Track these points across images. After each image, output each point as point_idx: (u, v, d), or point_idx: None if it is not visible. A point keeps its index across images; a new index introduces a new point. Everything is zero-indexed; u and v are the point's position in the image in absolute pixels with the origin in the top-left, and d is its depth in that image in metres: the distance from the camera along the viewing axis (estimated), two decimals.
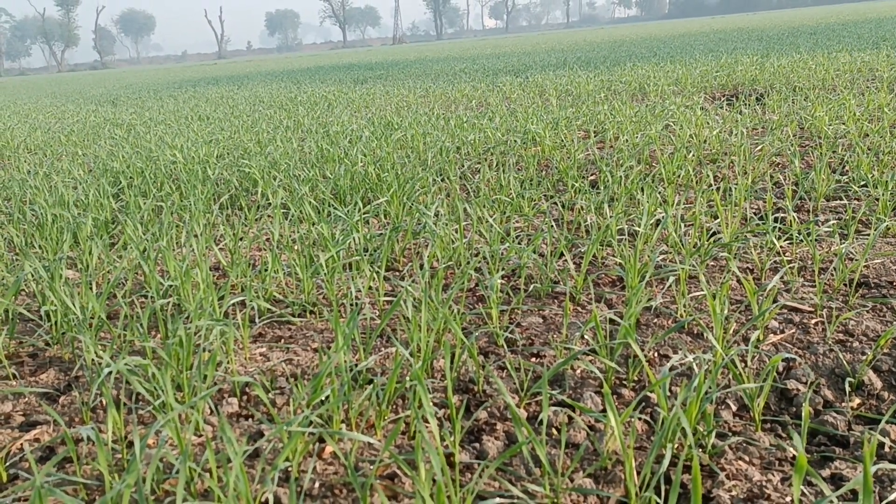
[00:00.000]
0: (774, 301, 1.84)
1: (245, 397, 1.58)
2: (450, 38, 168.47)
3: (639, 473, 1.18)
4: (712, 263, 2.17)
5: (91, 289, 1.96)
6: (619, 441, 1.04)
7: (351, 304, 2.02)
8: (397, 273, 2.30)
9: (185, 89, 15.03)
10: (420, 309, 1.68)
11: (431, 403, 1.09)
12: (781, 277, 2.00)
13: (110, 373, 1.60)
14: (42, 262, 2.37)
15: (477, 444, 1.33)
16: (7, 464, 1.38)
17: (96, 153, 5.19)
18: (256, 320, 1.99)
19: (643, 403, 1.42)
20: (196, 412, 1.24)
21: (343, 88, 10.73)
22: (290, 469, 1.25)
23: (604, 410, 1.41)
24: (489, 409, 1.45)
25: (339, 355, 1.31)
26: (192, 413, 1.43)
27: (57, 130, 7.65)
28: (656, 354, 1.63)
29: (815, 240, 2.28)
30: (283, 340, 1.87)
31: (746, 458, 1.21)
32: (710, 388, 1.27)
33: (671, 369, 1.48)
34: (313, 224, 2.69)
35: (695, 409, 1.18)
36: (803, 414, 1.15)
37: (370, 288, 2.14)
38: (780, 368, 1.53)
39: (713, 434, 1.22)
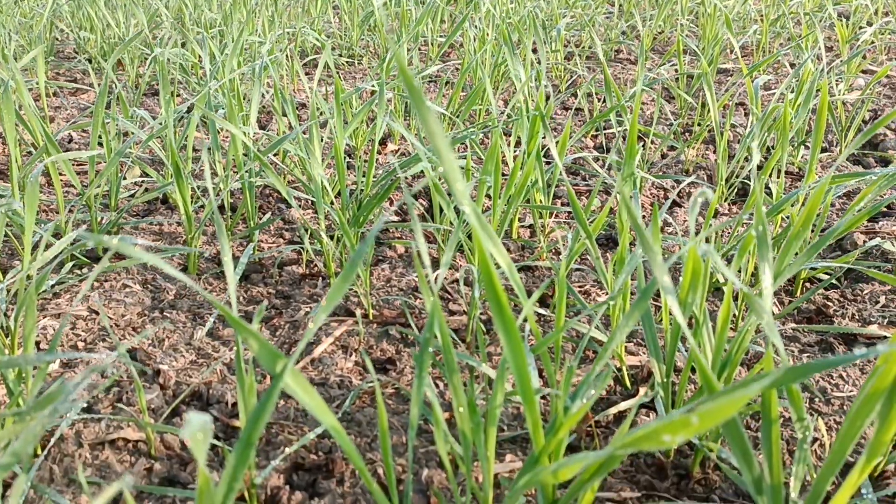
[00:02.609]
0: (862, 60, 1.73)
1: (300, 120, 1.52)
2: None
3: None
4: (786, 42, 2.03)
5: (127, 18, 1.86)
6: (714, 118, 0.96)
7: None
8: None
9: None
10: (481, 37, 1.57)
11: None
12: (870, 37, 1.87)
13: (157, 59, 1.52)
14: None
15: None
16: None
17: None
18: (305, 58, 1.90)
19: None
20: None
21: None
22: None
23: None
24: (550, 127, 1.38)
25: (403, 49, 1.23)
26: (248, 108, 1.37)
27: None
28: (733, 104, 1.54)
29: None
30: (331, 79, 1.79)
31: (836, 172, 1.14)
32: (801, 103, 1.18)
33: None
34: None
35: (791, 108, 1.10)
36: None
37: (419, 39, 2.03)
38: (866, 118, 1.44)
39: (800, 148, 1.15)
